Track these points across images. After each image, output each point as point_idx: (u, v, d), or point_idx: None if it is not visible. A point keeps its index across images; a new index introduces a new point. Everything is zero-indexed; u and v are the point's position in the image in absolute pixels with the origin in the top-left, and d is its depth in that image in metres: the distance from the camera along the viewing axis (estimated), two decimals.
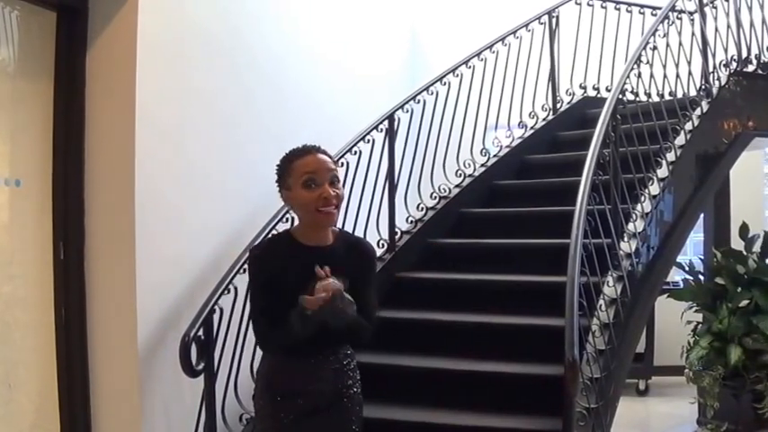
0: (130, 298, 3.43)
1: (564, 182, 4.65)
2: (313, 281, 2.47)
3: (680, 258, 6.11)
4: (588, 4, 5.94)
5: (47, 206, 3.50)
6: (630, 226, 4.05)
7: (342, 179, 4.18)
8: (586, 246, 3.41)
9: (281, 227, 3.83)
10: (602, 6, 5.95)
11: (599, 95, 5.83)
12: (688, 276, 6.70)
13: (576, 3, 5.95)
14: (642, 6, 5.84)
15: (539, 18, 5.81)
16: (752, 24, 5.11)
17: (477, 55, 5.29)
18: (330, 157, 2.69)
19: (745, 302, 6.08)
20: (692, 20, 4.91)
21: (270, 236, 3.68)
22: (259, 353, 2.76)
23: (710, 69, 4.89)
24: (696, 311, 6.56)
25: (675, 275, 7.31)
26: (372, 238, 4.50)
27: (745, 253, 6.40)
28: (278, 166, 2.67)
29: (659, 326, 7.39)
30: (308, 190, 2.57)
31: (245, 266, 3.07)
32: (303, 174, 2.58)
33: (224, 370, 3.61)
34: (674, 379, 7.17)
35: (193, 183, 3.86)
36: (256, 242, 3.74)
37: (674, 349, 6.64)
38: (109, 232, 3.51)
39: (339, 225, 4.13)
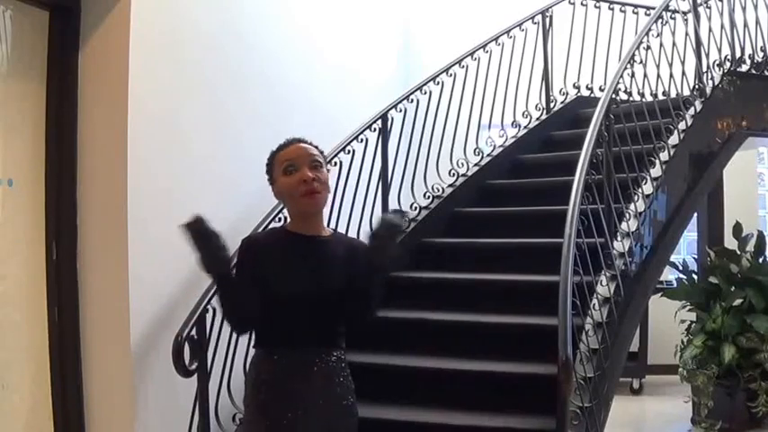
0: (123, 298, 3.42)
1: (557, 181, 4.64)
2: (307, 268, 2.55)
3: (673, 257, 6.13)
4: (582, 4, 5.94)
5: (39, 206, 3.49)
6: (624, 225, 4.05)
7: (335, 177, 4.24)
8: (579, 245, 3.41)
9: (275, 225, 3.82)
10: (595, 6, 5.95)
11: (592, 95, 5.83)
12: (682, 275, 6.73)
13: (570, 2, 5.95)
14: (636, 6, 5.85)
15: (532, 18, 5.81)
16: (745, 24, 5.12)
17: (471, 54, 5.30)
18: (315, 146, 2.69)
19: (738, 301, 6.11)
20: (686, 20, 4.92)
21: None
22: (252, 352, 2.74)
23: (704, 69, 4.89)
24: (690, 310, 6.58)
25: (669, 274, 7.33)
26: (366, 238, 4.50)
27: (738, 252, 6.43)
28: (266, 164, 2.69)
29: (653, 325, 7.40)
30: (289, 176, 2.58)
31: None
32: (283, 162, 2.61)
33: (217, 370, 3.61)
34: (668, 378, 7.19)
35: (187, 181, 3.85)
36: None
37: (668, 348, 6.66)
38: (101, 232, 3.50)
39: (333, 226, 4.21)
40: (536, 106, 5.89)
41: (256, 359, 2.66)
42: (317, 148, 2.70)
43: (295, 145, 2.66)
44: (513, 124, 5.71)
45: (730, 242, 6.64)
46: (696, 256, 7.12)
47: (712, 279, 6.36)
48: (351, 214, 4.43)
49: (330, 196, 2.76)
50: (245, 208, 4.13)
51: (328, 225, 4.14)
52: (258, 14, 4.54)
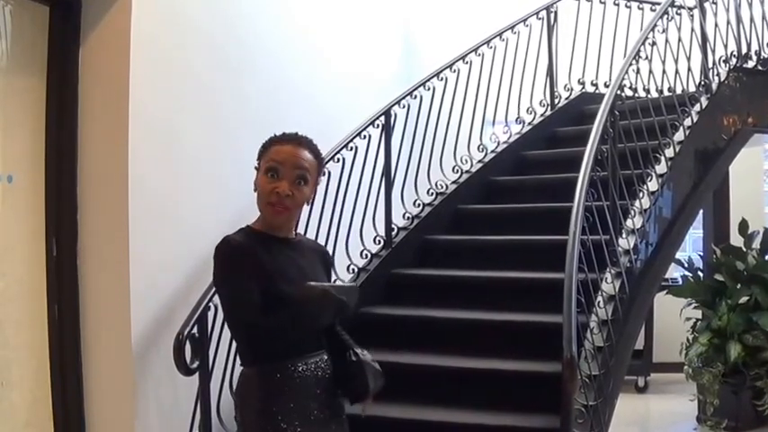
0: (124, 295, 3.40)
1: (562, 178, 4.63)
2: (291, 271, 2.40)
3: (679, 255, 6.09)
4: (587, 0, 5.91)
5: (39, 202, 3.47)
6: (629, 222, 4.03)
7: (337, 176, 4.23)
8: (584, 242, 3.38)
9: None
10: (600, 2, 5.91)
11: (597, 91, 5.82)
12: (687, 273, 6.70)
13: None
14: (641, 2, 5.82)
15: (537, 13, 5.79)
16: (752, 20, 5.09)
17: (475, 50, 5.27)
18: (315, 154, 2.50)
19: (744, 299, 6.09)
20: (692, 15, 4.88)
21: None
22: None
23: (710, 65, 4.87)
24: (695, 308, 6.56)
25: (674, 272, 7.31)
26: (369, 235, 4.49)
27: (744, 249, 6.41)
28: (261, 146, 2.53)
29: (658, 323, 7.38)
30: (267, 179, 2.41)
31: None
32: (270, 160, 2.43)
33: (219, 368, 3.58)
34: (673, 376, 7.17)
35: (187, 178, 3.83)
36: None
37: (674, 346, 6.64)
38: (102, 229, 3.48)
39: (334, 224, 4.20)
40: (540, 102, 5.86)
41: (260, 372, 2.43)
42: (315, 152, 2.50)
43: (291, 146, 2.46)
44: (517, 121, 5.68)
45: (736, 239, 6.61)
46: (702, 254, 7.11)
47: (718, 276, 6.34)
48: (353, 211, 4.40)
49: (305, 209, 2.54)
50: (244, 207, 4.10)
51: (330, 222, 4.18)
52: (258, 14, 4.51)
